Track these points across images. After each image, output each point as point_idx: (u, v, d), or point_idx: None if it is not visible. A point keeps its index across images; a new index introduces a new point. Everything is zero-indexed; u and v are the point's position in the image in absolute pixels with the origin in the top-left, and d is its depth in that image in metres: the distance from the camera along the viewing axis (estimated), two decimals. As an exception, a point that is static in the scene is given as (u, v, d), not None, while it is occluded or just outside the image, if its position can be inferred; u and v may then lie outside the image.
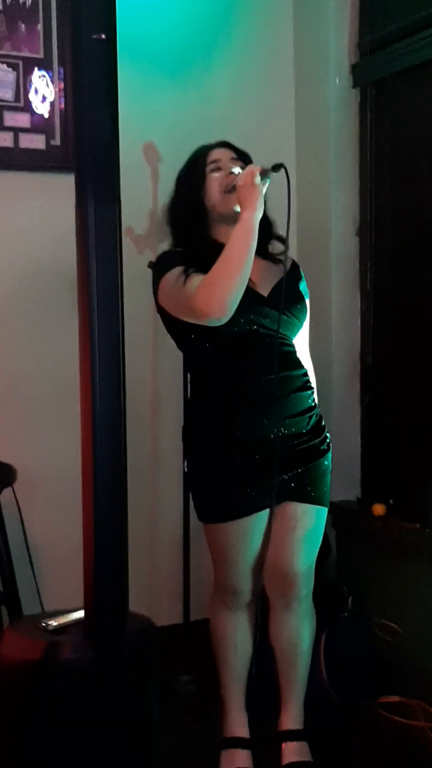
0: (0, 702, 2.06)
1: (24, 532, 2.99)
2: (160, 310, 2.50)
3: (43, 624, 2.17)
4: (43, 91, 3.10)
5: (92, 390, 2.02)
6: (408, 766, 2.64)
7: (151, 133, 3.22)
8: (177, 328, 2.49)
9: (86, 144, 2.01)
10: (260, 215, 2.35)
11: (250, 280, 2.42)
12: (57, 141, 3.12)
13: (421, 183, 3.24)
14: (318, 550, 2.61)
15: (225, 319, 2.34)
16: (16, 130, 3.07)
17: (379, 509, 3.31)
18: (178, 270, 2.41)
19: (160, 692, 2.23)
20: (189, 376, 2.74)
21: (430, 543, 3.06)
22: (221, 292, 2.31)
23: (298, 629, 2.61)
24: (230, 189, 2.45)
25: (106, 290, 1.99)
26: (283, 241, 2.53)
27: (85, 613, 2.13)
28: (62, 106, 3.11)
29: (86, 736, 2.01)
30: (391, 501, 3.33)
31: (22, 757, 2.05)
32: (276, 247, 2.60)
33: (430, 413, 3.24)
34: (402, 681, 3.02)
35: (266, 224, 2.50)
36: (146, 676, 2.17)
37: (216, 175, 2.50)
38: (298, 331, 2.55)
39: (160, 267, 2.48)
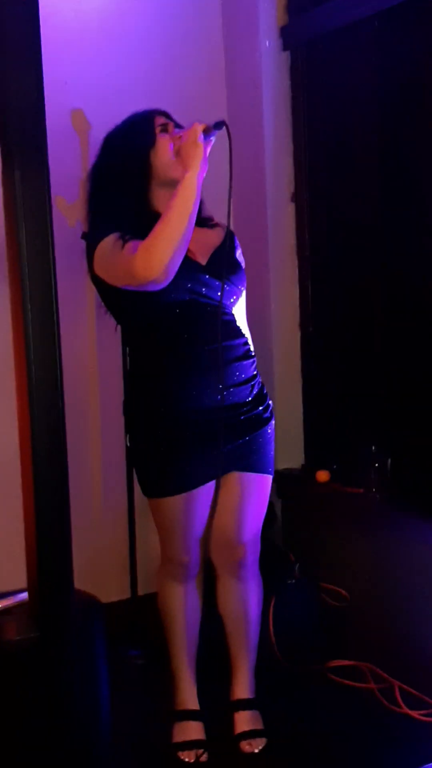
0: None
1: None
2: (96, 281, 2.42)
3: (-14, 607, 2.14)
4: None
5: (27, 367, 1.97)
6: (358, 728, 2.67)
7: (79, 101, 3.15)
8: (114, 298, 2.43)
9: (11, 110, 1.95)
10: (203, 175, 2.30)
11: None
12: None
13: (356, 147, 3.22)
14: (263, 518, 2.61)
15: (165, 283, 2.28)
16: None
17: (322, 476, 3.32)
18: (114, 236, 2.33)
19: (109, 668, 2.22)
20: (128, 349, 2.69)
21: (374, 507, 3.08)
22: (162, 254, 2.24)
23: (246, 597, 2.61)
24: None
25: (37, 262, 1.94)
26: (209, 219, 2.50)
27: (29, 594, 2.10)
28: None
29: (33, 718, 1.99)
30: (334, 467, 3.34)
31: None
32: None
33: (370, 378, 3.25)
34: (350, 644, 3.06)
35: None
36: (93, 654, 2.15)
37: (166, 136, 2.41)
38: (237, 300, 2.52)
39: (94, 235, 2.39)
